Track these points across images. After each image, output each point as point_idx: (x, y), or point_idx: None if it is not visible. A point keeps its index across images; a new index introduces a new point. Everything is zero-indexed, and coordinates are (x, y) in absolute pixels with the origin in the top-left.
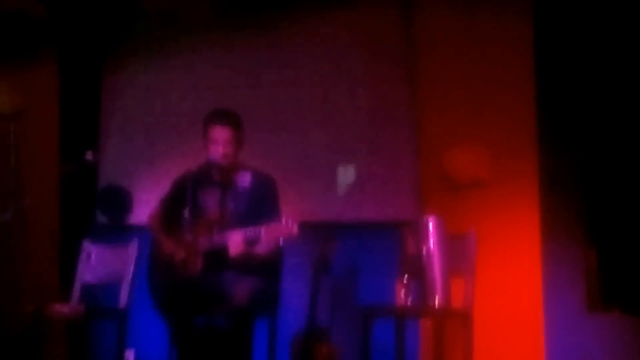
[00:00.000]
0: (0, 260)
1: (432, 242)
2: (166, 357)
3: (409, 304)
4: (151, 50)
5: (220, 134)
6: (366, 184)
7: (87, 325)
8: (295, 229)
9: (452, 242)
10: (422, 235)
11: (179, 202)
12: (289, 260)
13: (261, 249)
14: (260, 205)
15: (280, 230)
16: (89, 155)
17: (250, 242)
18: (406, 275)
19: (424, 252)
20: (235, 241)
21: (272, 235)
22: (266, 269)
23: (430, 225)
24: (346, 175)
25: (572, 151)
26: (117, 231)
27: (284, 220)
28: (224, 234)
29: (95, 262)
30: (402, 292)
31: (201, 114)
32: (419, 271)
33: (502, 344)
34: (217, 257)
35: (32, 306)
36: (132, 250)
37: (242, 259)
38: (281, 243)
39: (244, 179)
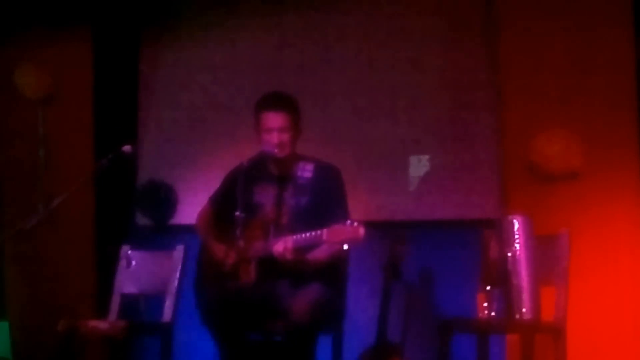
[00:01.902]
0: (28, 270)
1: (518, 244)
2: None
3: (492, 316)
4: (192, 26)
5: (275, 121)
6: (442, 177)
7: (128, 342)
8: (361, 231)
9: (542, 244)
10: (506, 237)
11: (231, 200)
12: (354, 267)
13: (322, 254)
14: (325, 201)
15: (345, 232)
16: (127, 147)
17: (310, 247)
18: (489, 283)
19: (509, 256)
20: (283, 246)
21: (335, 238)
22: (329, 277)
23: (516, 224)
24: (419, 167)
25: None
26: (160, 234)
27: (348, 221)
28: (281, 237)
29: (136, 270)
30: (485, 303)
31: (252, 96)
32: (503, 278)
33: None
34: (274, 264)
35: (65, 322)
36: (178, 256)
37: (294, 266)
38: (346, 247)
39: (305, 171)
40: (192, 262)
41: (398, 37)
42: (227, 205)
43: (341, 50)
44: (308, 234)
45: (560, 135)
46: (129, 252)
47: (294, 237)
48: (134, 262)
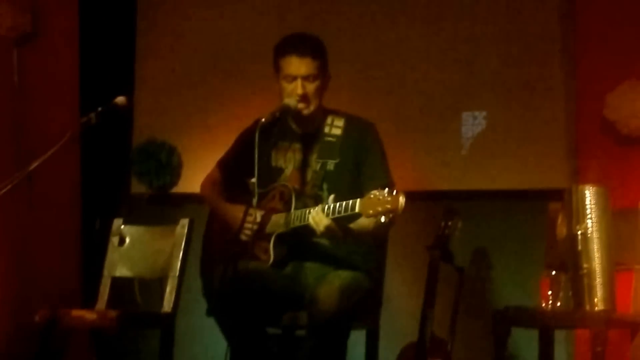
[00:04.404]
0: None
1: (591, 220)
2: None
3: (558, 306)
4: None
5: (299, 67)
6: (501, 139)
7: (121, 335)
8: (402, 201)
9: (619, 220)
10: (577, 211)
11: (245, 164)
12: (394, 247)
13: (355, 230)
14: (359, 161)
15: (382, 202)
16: (120, 100)
17: (340, 221)
18: (555, 267)
19: (580, 235)
20: (316, 217)
21: (369, 210)
22: (363, 258)
23: (589, 196)
24: (474, 127)
25: None
26: (160, 205)
27: (387, 189)
28: (306, 209)
29: (131, 248)
30: (549, 290)
31: (273, 39)
32: (572, 261)
33: None
34: (298, 243)
35: (43, 312)
36: (181, 231)
37: (337, 236)
38: (382, 220)
39: (334, 127)
40: (198, 239)
41: None
42: (240, 171)
43: None
44: (337, 205)
45: None
46: (122, 226)
47: (326, 206)
48: (128, 239)
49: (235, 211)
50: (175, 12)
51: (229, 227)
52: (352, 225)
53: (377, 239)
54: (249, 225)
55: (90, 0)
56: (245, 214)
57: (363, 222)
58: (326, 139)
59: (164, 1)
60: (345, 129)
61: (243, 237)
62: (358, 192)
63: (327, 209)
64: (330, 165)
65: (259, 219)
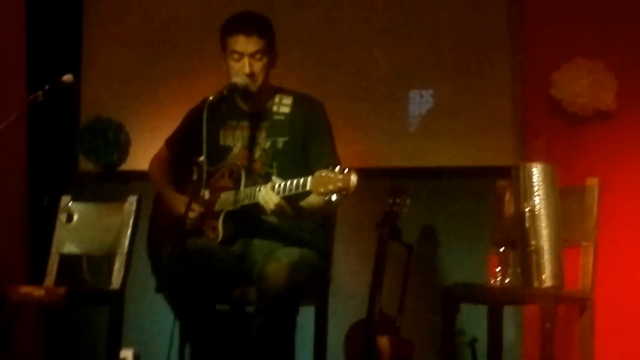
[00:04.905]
0: None
1: (538, 197)
2: (176, 357)
3: (506, 283)
4: None
5: (246, 46)
6: (448, 117)
7: (68, 312)
8: (353, 179)
9: (567, 198)
10: (524, 188)
11: (193, 142)
12: (343, 224)
13: (305, 208)
14: (307, 139)
15: (333, 180)
16: (67, 77)
17: (290, 199)
18: (503, 244)
19: (528, 212)
20: (266, 196)
21: (320, 188)
22: (312, 236)
23: (536, 173)
24: (422, 105)
25: None
26: (108, 182)
27: (338, 167)
28: (255, 187)
29: (79, 225)
30: (497, 267)
31: (223, 15)
32: (520, 238)
33: (636, 337)
34: (246, 221)
35: None
36: (129, 209)
37: (287, 214)
38: (333, 199)
39: (282, 106)
40: (146, 217)
41: None
42: (188, 149)
43: None
44: (288, 183)
45: (589, 67)
46: (70, 204)
47: (276, 183)
48: (75, 216)
49: (178, 203)
50: None
51: (171, 214)
52: (302, 203)
53: (326, 216)
54: (191, 219)
55: None
56: (188, 207)
57: (312, 200)
58: (275, 117)
59: None
60: (294, 107)
61: (188, 222)
62: (306, 170)
63: (278, 187)
64: (279, 143)
65: (195, 215)
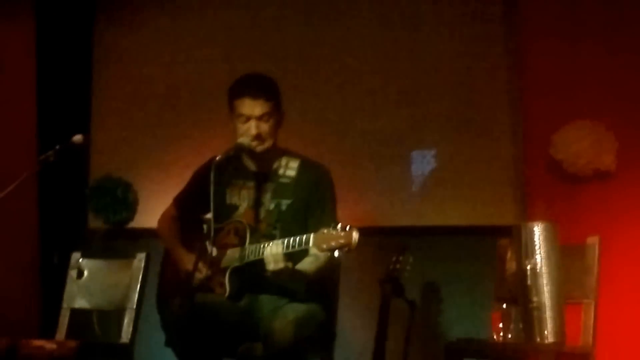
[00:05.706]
0: None
1: (539, 255)
2: None
3: (508, 339)
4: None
5: (252, 108)
6: (451, 177)
7: None
8: (355, 236)
9: (567, 255)
10: (526, 247)
11: (200, 201)
12: (347, 281)
13: (309, 264)
14: (310, 205)
15: (335, 237)
16: (77, 138)
17: (295, 256)
18: (505, 301)
19: (529, 269)
20: (273, 254)
21: (324, 245)
22: (317, 292)
23: (537, 232)
24: (424, 165)
25: None
26: (117, 240)
27: (340, 225)
28: (260, 244)
29: (89, 281)
30: (500, 323)
31: (228, 80)
32: (522, 295)
33: None
34: (252, 277)
35: (3, 342)
36: (138, 265)
37: (284, 277)
38: (337, 256)
39: (288, 169)
40: (154, 273)
41: (400, 19)
42: (195, 207)
43: (331, 29)
44: (292, 240)
45: (589, 128)
46: (81, 260)
47: (282, 240)
48: (86, 273)
49: (186, 261)
50: (130, 53)
51: (179, 270)
52: (298, 267)
53: (323, 278)
54: (198, 277)
55: (47, 41)
56: (195, 267)
57: (305, 266)
58: (280, 180)
59: (119, 44)
60: (300, 172)
61: (196, 279)
62: (307, 233)
63: (282, 243)
64: (283, 205)
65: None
